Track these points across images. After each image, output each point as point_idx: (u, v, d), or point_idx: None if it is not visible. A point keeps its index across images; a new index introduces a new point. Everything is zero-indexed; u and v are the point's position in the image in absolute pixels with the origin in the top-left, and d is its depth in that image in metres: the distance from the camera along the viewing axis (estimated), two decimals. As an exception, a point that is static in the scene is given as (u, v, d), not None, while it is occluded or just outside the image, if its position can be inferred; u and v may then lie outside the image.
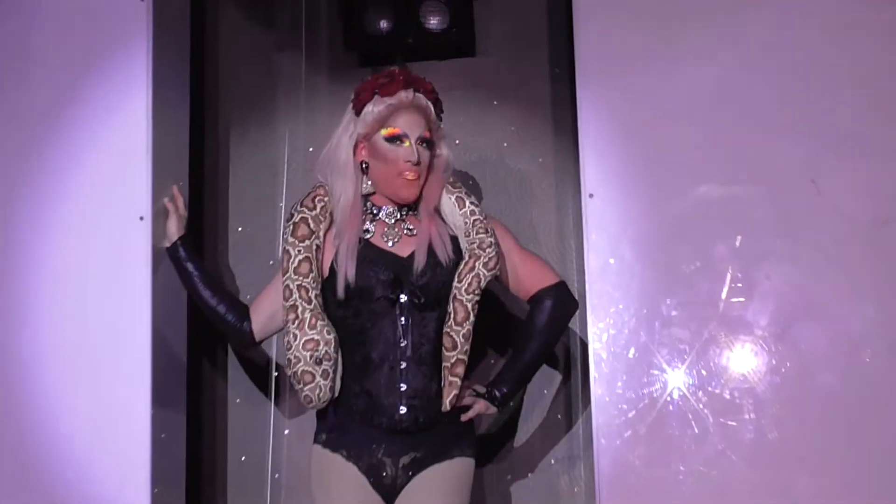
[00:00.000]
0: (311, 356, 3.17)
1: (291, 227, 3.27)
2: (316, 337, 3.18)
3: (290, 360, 3.20)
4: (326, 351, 3.18)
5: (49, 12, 3.53)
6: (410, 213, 3.33)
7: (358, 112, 3.29)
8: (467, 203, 3.33)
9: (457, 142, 3.78)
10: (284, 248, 3.25)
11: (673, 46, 3.38)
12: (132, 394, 3.37)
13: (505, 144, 3.85)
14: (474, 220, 3.31)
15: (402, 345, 3.19)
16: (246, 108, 3.93)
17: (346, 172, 3.28)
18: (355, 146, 3.29)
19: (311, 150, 3.79)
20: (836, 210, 3.26)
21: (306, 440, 3.35)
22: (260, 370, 3.80)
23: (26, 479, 3.40)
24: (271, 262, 3.79)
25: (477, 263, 3.24)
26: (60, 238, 3.47)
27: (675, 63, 3.38)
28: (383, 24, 3.76)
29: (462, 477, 3.26)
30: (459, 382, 3.21)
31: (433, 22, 3.76)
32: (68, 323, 3.44)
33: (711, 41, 3.37)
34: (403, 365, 3.19)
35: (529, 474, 3.67)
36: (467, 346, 3.24)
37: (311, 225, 3.27)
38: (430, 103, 3.31)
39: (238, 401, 3.80)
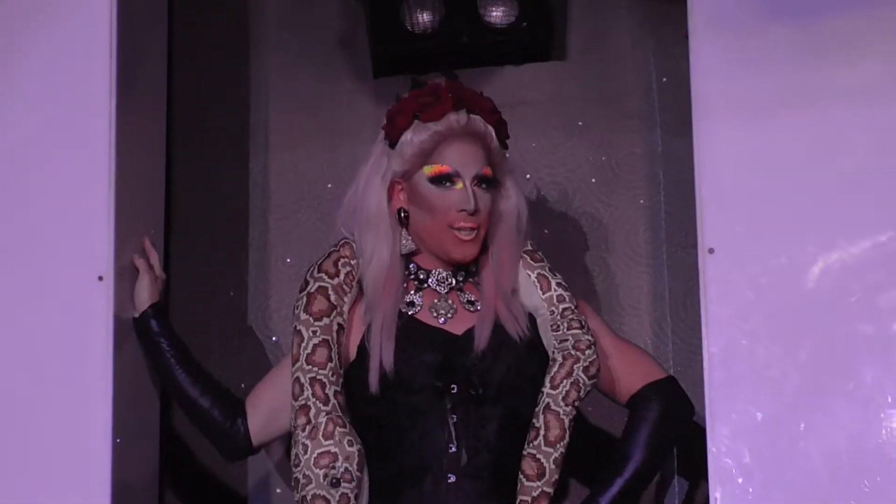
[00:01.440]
0: (324, 476, 3.02)
1: (305, 299, 3.14)
2: (333, 449, 3.03)
3: (297, 479, 3.04)
4: (347, 468, 3.03)
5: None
6: (469, 279, 3.22)
7: (393, 143, 3.17)
8: (553, 284, 3.21)
9: (527, 176, 3.72)
10: (296, 327, 3.13)
11: (825, 47, 3.28)
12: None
13: (593, 180, 3.77)
14: (564, 310, 3.18)
15: (452, 451, 3.06)
16: (241, 132, 3.90)
17: (378, 225, 3.17)
18: (390, 189, 3.18)
19: (329, 186, 3.73)
20: None
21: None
22: (262, 487, 3.73)
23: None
24: (275, 339, 3.74)
25: (575, 367, 3.10)
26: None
27: (828, 69, 3.27)
28: (426, 17, 3.70)
29: None
30: None
31: (496, 14, 3.70)
32: (14, 402, 3.35)
33: (871, 43, 3.28)
34: (452, 479, 3.05)
35: None
36: (556, 476, 3.07)
37: (332, 297, 3.14)
38: (490, 127, 3.18)
39: None
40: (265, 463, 3.71)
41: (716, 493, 3.12)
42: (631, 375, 3.25)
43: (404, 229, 3.19)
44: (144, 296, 3.36)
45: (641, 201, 3.74)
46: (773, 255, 3.22)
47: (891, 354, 3.14)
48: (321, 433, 3.05)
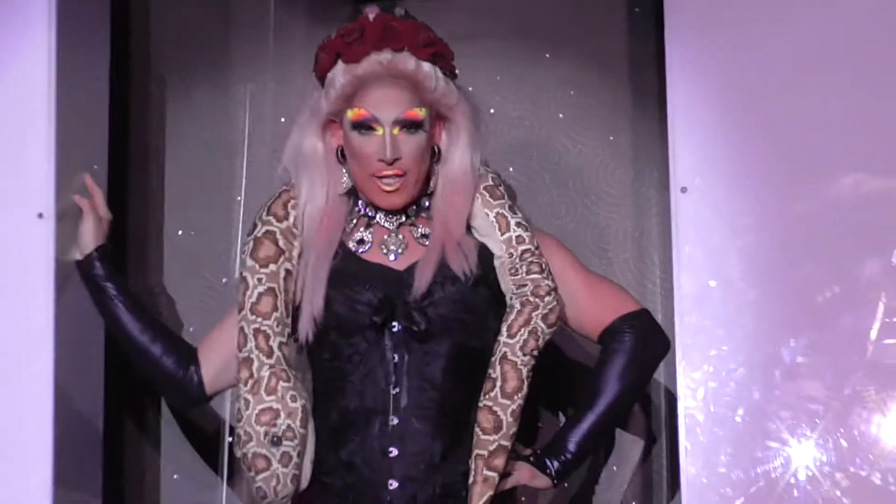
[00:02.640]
0: (265, 433, 3.08)
1: (252, 244, 3.18)
2: (275, 405, 3.08)
3: (239, 435, 3.09)
4: (289, 426, 3.09)
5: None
6: (422, 213, 3.24)
7: (321, 83, 3.23)
8: (512, 224, 3.21)
9: (491, 111, 3.73)
10: (241, 273, 3.18)
11: None
12: (25, 469, 3.29)
13: (560, 115, 3.77)
14: (523, 252, 3.20)
15: (395, 392, 3.11)
16: (190, 61, 3.91)
17: (312, 165, 3.22)
18: (329, 126, 3.23)
19: (282, 120, 3.69)
20: None
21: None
22: (207, 434, 3.76)
23: None
24: (224, 280, 3.77)
25: (534, 315, 3.13)
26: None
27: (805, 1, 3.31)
28: None
29: None
30: (496, 481, 3.11)
31: None
32: None
33: None
34: (395, 421, 3.10)
35: (595, 581, 3.60)
36: (515, 429, 3.11)
37: (281, 242, 3.18)
38: (423, 63, 3.19)
39: (176, 477, 3.77)
40: (218, 412, 3.72)
41: (686, 443, 3.16)
42: (602, 310, 3.26)
43: (344, 167, 3.23)
44: (89, 238, 3.33)
45: (611, 138, 3.75)
46: (749, 195, 3.26)
47: (867, 300, 3.18)
48: (263, 388, 3.09)
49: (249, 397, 3.08)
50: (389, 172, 3.13)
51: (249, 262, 3.15)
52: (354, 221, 3.21)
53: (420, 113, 3.16)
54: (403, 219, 3.21)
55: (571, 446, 3.20)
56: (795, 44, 3.30)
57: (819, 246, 3.22)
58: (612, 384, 3.23)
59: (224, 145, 3.84)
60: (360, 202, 3.22)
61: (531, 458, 3.20)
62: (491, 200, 3.23)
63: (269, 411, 3.08)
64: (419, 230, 3.22)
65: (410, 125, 3.15)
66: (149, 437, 3.77)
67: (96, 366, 3.53)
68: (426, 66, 3.18)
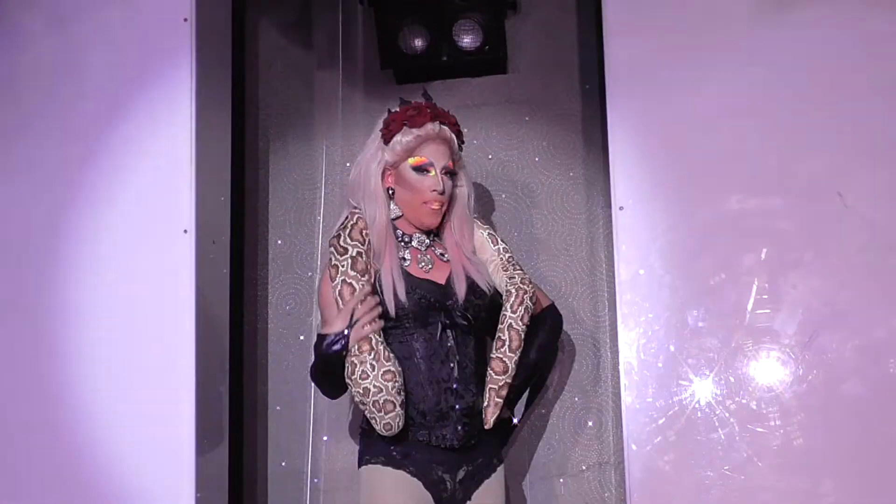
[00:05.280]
0: (392, 386, 3.21)
1: (349, 261, 3.31)
2: (392, 369, 3.24)
3: (368, 389, 3.21)
4: (402, 382, 3.25)
5: (99, 31, 3.64)
6: (436, 239, 3.48)
7: (387, 141, 3.40)
8: (498, 240, 3.50)
9: (489, 156, 3.91)
10: (346, 280, 3.27)
11: (700, 61, 3.43)
12: (177, 401, 3.44)
13: (536, 159, 3.91)
14: (508, 258, 3.46)
15: (451, 366, 3.30)
16: (285, 125, 4.02)
17: (376, 198, 3.40)
18: (382, 172, 3.41)
19: (347, 164, 3.83)
20: (861, 221, 3.30)
21: (344, 446, 3.49)
22: (298, 379, 3.83)
23: (72, 481, 3.46)
24: (309, 274, 3.89)
25: (525, 297, 3.37)
26: (107, 249, 3.56)
27: (702, 77, 3.43)
28: (418, 42, 3.84)
29: (503, 482, 3.44)
30: (502, 404, 3.32)
31: (466, 41, 3.82)
32: (115, 331, 3.52)
33: (738, 55, 3.42)
34: (455, 385, 3.30)
35: (561, 480, 3.74)
36: (515, 371, 3.35)
37: (364, 258, 3.33)
38: (453, 135, 3.43)
39: (278, 408, 3.86)
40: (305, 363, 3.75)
41: (625, 380, 3.29)
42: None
43: (391, 201, 3.38)
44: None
45: (571, 174, 3.86)
46: (665, 211, 3.36)
47: (745, 282, 3.25)
48: (382, 357, 3.21)
49: (374, 363, 3.20)
50: (438, 200, 3.33)
51: (352, 273, 3.27)
52: (397, 243, 3.38)
53: (453, 165, 3.39)
54: (428, 242, 3.39)
55: (517, 381, 3.35)
56: (695, 111, 3.38)
57: (712, 245, 3.34)
58: (537, 345, 3.42)
59: (308, 182, 3.95)
60: (397, 231, 3.38)
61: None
62: (482, 226, 3.48)
63: (389, 372, 3.19)
64: (438, 251, 3.40)
65: (450, 172, 3.38)
66: (259, 380, 3.83)
67: (223, 332, 3.64)
68: (454, 136, 3.41)
